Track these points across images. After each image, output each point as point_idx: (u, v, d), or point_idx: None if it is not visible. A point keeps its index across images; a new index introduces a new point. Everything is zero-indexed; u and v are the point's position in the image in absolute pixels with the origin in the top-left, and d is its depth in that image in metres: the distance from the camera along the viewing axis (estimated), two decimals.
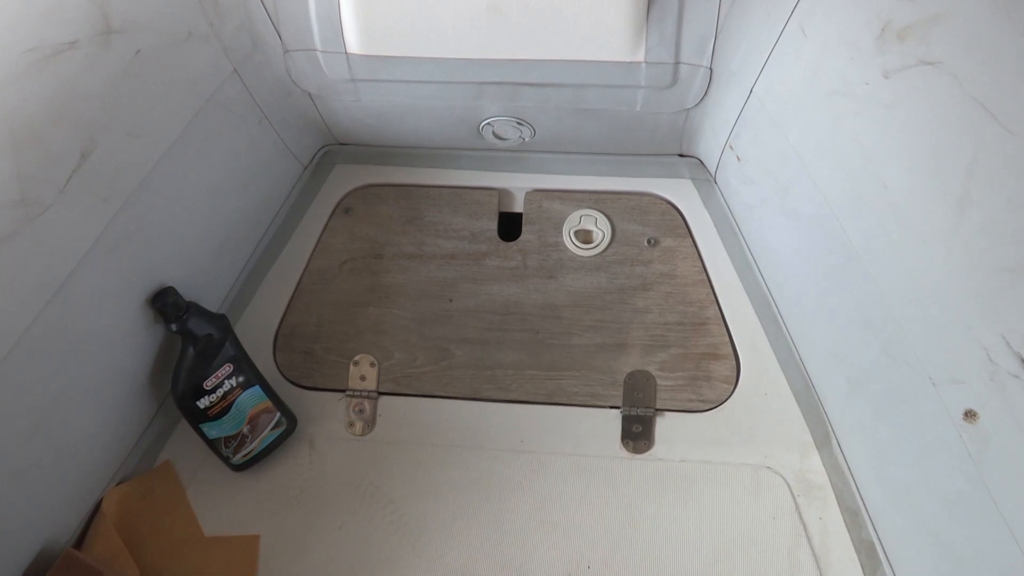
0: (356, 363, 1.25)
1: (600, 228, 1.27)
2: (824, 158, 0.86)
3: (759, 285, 1.20)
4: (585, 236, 1.27)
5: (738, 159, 1.06)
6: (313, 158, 1.27)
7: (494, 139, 1.19)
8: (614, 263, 1.25)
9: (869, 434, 1.00)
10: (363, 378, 1.24)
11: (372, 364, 1.24)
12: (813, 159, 0.87)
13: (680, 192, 1.27)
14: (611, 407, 1.23)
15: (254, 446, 1.11)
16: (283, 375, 1.25)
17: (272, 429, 1.13)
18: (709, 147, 1.16)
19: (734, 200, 1.18)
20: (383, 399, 1.24)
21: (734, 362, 1.21)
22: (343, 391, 1.25)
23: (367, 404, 1.24)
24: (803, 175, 0.89)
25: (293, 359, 1.26)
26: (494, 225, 1.29)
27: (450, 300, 1.25)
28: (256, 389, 1.11)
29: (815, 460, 1.16)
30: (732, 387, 1.21)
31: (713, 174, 1.21)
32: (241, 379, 1.09)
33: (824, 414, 1.15)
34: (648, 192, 1.28)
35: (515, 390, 1.23)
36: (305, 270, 1.27)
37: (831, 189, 0.87)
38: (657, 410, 1.21)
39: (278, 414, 1.13)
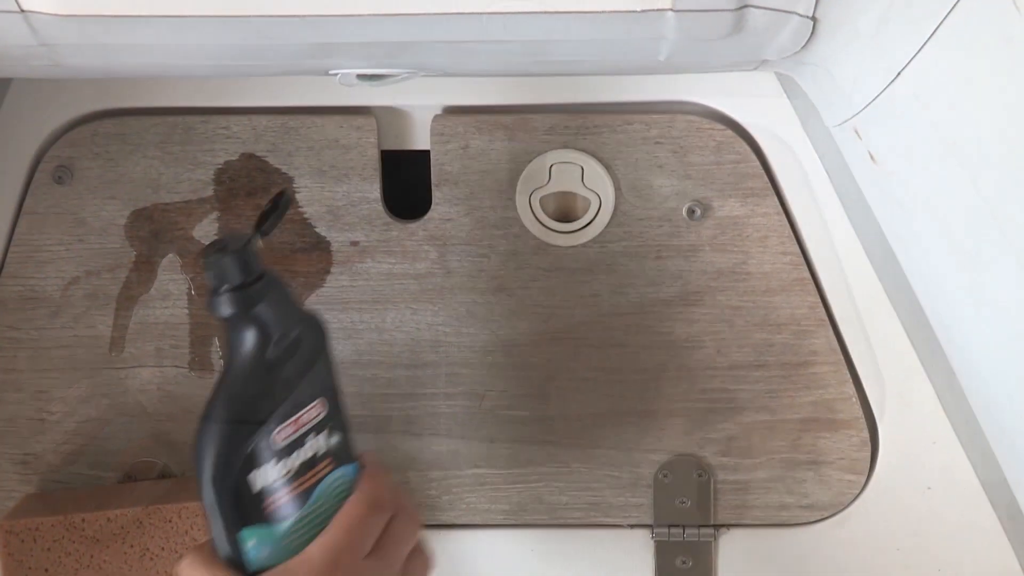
0: (132, 478, 1.04)
1: (592, 187, 0.97)
2: None
3: (910, 293, 0.94)
4: (564, 205, 1.00)
5: (871, 158, 0.84)
6: None
7: (357, 81, 0.89)
8: (623, 255, 1.00)
9: None
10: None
11: (161, 477, 1.05)
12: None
13: (758, 110, 0.97)
14: (634, 526, 1.05)
15: None
16: None
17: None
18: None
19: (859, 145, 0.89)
20: None
21: (866, 432, 1.01)
22: None
23: None
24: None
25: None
26: (375, 188, 0.99)
27: None
28: (355, 467, 0.88)
29: None
30: (864, 479, 1.03)
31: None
32: (336, 439, 0.84)
33: None
34: (690, 103, 0.98)
35: (448, 506, 1.04)
36: None
37: None
38: (720, 527, 1.04)
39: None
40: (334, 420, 0.82)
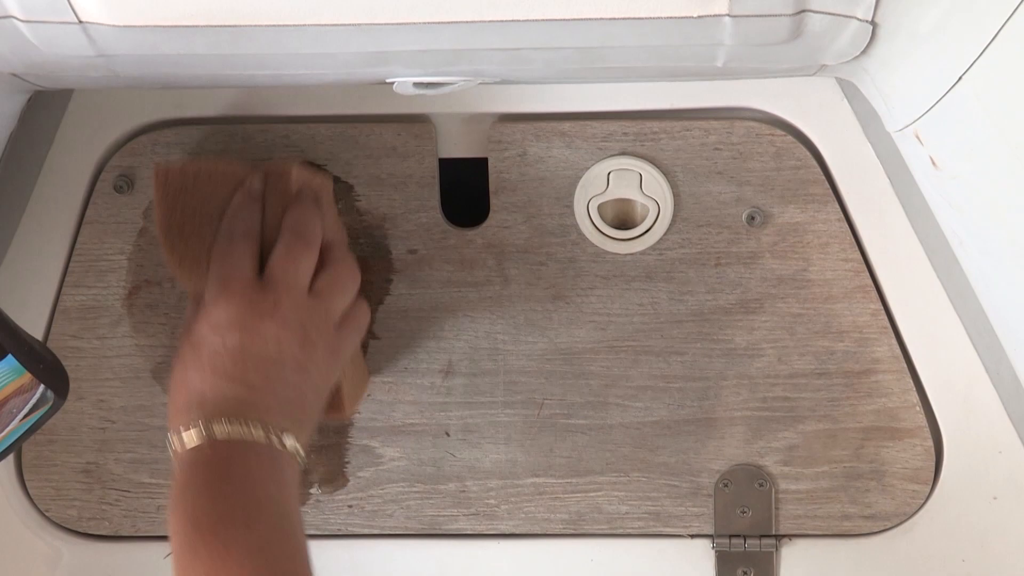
0: None
1: (651, 194, 0.97)
2: None
3: (974, 299, 0.94)
4: (622, 212, 1.00)
5: (933, 163, 0.83)
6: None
7: (414, 90, 0.88)
8: (682, 263, 1.00)
9: None
10: None
11: None
12: None
13: (818, 115, 0.97)
14: (694, 536, 1.05)
15: None
16: (44, 516, 1.04)
17: (28, 415, 0.92)
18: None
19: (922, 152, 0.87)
20: None
21: (930, 441, 1.00)
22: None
23: None
24: None
25: (60, 485, 1.04)
26: (433, 195, 0.99)
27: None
28: (8, 361, 0.90)
29: None
30: (928, 488, 1.01)
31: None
32: None
33: None
34: (750, 109, 0.97)
35: (507, 515, 1.05)
36: (52, 315, 1.01)
37: None
38: (781, 537, 1.04)
39: (39, 390, 0.92)
40: None
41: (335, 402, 0.90)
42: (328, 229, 0.87)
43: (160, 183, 0.89)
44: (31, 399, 0.88)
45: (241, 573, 0.72)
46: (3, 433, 0.88)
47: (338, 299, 0.85)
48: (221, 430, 0.77)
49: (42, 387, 0.90)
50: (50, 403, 0.91)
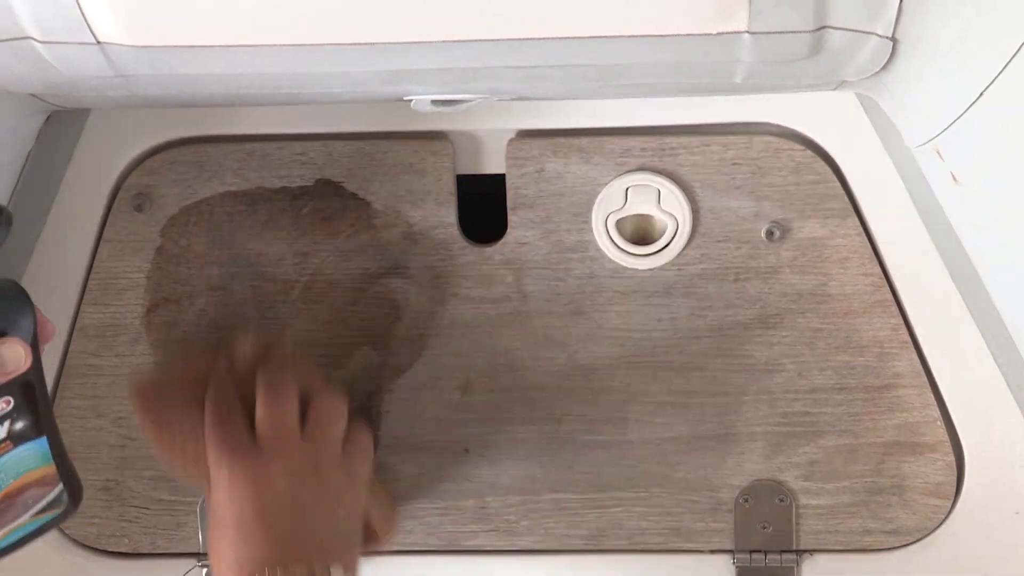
0: None
1: (669, 210, 0.97)
2: None
3: (995, 314, 0.94)
4: (640, 228, 1.00)
5: (954, 178, 0.84)
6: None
7: (432, 107, 0.89)
8: (701, 278, 0.99)
9: None
10: None
11: None
12: None
13: (837, 130, 0.97)
14: (715, 552, 1.04)
15: None
16: (64, 533, 1.04)
17: (41, 512, 0.90)
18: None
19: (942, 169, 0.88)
20: None
21: (952, 456, 0.99)
22: (194, 555, 1.05)
23: None
24: None
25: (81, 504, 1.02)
26: (451, 212, 0.99)
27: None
28: (41, 444, 0.88)
29: None
30: (950, 503, 1.01)
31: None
32: (22, 424, 0.85)
33: None
34: (768, 124, 0.96)
35: (527, 531, 1.04)
36: (72, 333, 1.01)
37: None
38: (802, 553, 1.02)
39: (58, 488, 0.90)
40: (24, 409, 0.86)
41: (368, 533, 0.92)
42: (300, 374, 0.90)
43: (139, 407, 0.92)
44: (48, 496, 0.85)
45: None
46: (14, 524, 0.87)
47: (333, 427, 0.87)
48: None
49: (60, 486, 0.89)
50: (63, 507, 0.90)
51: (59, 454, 0.89)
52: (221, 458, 0.83)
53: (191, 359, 0.93)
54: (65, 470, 0.90)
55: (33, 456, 0.86)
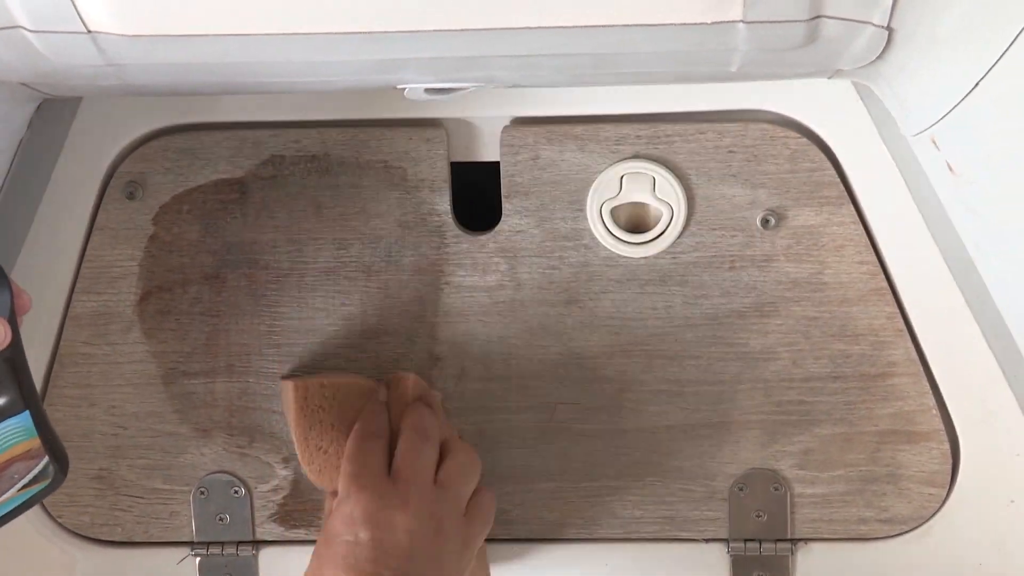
0: (203, 491, 1.04)
1: (664, 198, 0.97)
2: None
3: (991, 302, 0.94)
4: (635, 216, 1.00)
5: (950, 168, 0.84)
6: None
7: (426, 95, 0.89)
8: (696, 266, 0.99)
9: None
10: (221, 517, 1.04)
11: (235, 490, 1.04)
12: None
13: (833, 118, 0.97)
14: (709, 541, 1.04)
15: None
16: (57, 522, 1.05)
17: (28, 485, 0.91)
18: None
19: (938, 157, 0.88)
20: (266, 553, 1.06)
21: (947, 445, 0.99)
22: (187, 544, 1.05)
23: (238, 566, 1.06)
24: None
25: (73, 492, 1.04)
26: (445, 200, 0.99)
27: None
28: (25, 418, 0.89)
29: None
30: (945, 492, 1.01)
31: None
32: (4, 399, 0.87)
33: None
34: (764, 112, 0.97)
35: (521, 520, 1.04)
36: (64, 321, 1.01)
37: None
38: (797, 541, 1.02)
39: (44, 460, 0.91)
40: (1, 385, 0.87)
41: None
42: (443, 428, 0.92)
43: (300, 399, 0.95)
44: (34, 468, 0.88)
45: None
46: (1, 499, 0.89)
47: (463, 487, 0.88)
48: None
49: (46, 459, 0.91)
50: (50, 479, 0.92)
51: (43, 427, 0.91)
52: (352, 485, 0.85)
53: (356, 377, 0.97)
54: (50, 443, 0.92)
55: (17, 430, 0.89)
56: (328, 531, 0.84)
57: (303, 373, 1.00)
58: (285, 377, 0.99)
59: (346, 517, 0.83)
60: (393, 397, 0.94)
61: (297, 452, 0.95)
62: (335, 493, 0.89)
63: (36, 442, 0.89)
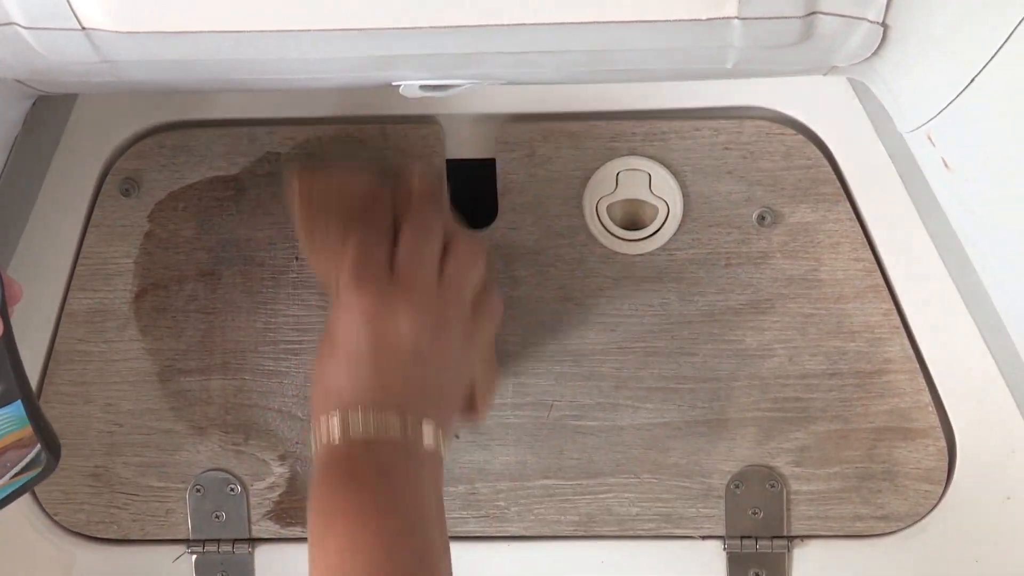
0: (199, 488, 1.04)
1: (660, 195, 0.97)
2: None
3: (987, 299, 0.94)
4: (631, 213, 1.00)
5: (945, 164, 0.83)
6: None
7: (421, 92, 0.88)
8: (692, 263, 0.99)
9: None
10: (217, 515, 1.04)
11: (231, 488, 1.04)
12: None
13: (829, 115, 0.96)
14: (705, 538, 1.03)
15: None
16: (53, 520, 1.04)
17: (19, 473, 0.91)
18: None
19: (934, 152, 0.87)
20: (262, 550, 1.05)
21: (943, 441, 0.99)
22: (183, 542, 1.05)
23: (234, 563, 1.05)
24: None
25: (69, 489, 1.03)
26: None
27: None
28: (16, 407, 0.89)
29: None
30: (941, 488, 1.00)
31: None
32: None
33: None
34: (760, 108, 0.97)
35: (517, 518, 1.04)
36: (59, 318, 1.01)
37: None
38: (793, 538, 1.02)
39: (36, 448, 0.91)
40: None
41: (469, 403, 0.91)
42: (447, 220, 0.89)
43: (304, 190, 0.91)
44: (27, 456, 0.88)
45: (365, 568, 0.75)
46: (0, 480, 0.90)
47: (467, 278, 0.86)
48: (356, 424, 0.79)
49: (38, 447, 0.91)
50: (42, 466, 0.92)
51: (35, 415, 0.91)
52: (354, 281, 0.82)
53: (362, 173, 0.94)
54: (42, 430, 0.92)
55: (9, 420, 0.89)
56: (330, 325, 0.83)
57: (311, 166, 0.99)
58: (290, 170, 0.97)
59: (347, 317, 0.82)
60: (400, 193, 0.91)
61: (301, 247, 0.93)
62: (334, 291, 0.88)
63: (28, 431, 0.90)
